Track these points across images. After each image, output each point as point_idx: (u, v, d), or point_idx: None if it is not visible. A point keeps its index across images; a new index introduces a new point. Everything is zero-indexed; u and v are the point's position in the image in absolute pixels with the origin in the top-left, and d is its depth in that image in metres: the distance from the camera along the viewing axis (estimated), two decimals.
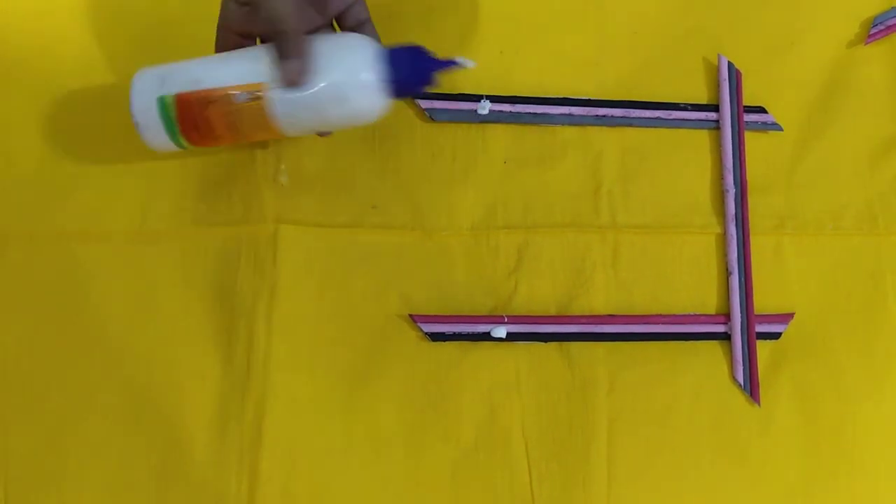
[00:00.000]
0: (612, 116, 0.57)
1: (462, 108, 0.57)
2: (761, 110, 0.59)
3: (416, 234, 0.55)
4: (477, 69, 0.57)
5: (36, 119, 0.54)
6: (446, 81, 0.57)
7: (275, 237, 0.54)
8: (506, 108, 0.57)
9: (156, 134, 0.50)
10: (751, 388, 0.54)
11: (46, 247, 0.54)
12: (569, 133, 0.58)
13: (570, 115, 0.57)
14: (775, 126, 0.58)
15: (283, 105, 0.48)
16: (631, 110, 0.58)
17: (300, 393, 0.52)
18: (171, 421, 0.52)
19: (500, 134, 0.57)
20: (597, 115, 0.57)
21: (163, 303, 0.53)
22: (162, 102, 0.49)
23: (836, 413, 0.55)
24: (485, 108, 0.56)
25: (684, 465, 0.53)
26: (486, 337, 0.53)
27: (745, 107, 0.58)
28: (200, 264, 0.54)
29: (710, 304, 0.56)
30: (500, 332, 0.53)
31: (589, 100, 0.58)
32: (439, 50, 0.58)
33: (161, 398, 0.52)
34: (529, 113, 0.57)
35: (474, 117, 0.57)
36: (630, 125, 0.58)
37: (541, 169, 0.57)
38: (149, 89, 0.49)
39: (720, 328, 0.55)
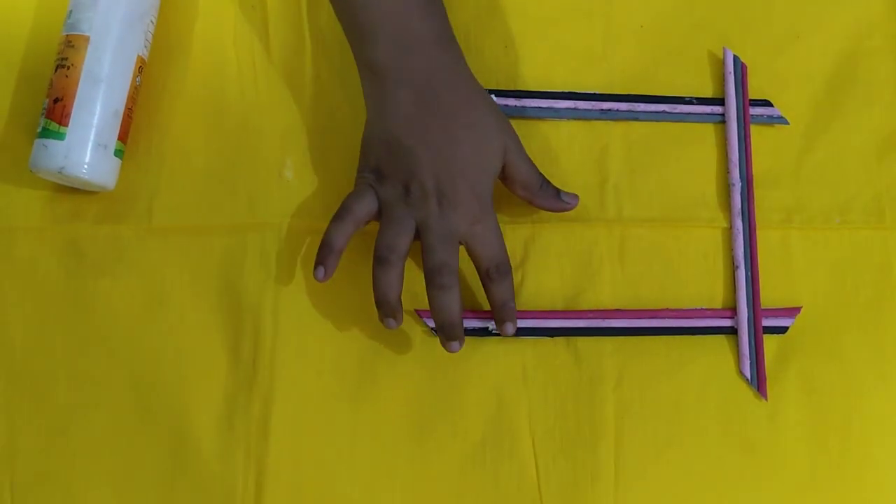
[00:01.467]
0: (617, 110, 0.57)
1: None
2: (767, 104, 0.58)
3: None
4: (482, 63, 0.57)
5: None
6: None
7: (280, 232, 0.54)
8: (511, 101, 0.57)
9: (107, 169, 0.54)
10: (758, 382, 0.54)
11: (53, 242, 0.54)
12: (574, 127, 0.58)
13: (575, 108, 0.57)
14: (781, 119, 0.58)
15: None
16: (636, 104, 0.57)
17: (307, 387, 0.52)
18: (178, 416, 0.52)
19: None
20: (602, 109, 0.57)
21: (169, 299, 0.53)
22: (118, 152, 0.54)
23: (843, 407, 0.54)
24: None
25: (691, 459, 0.53)
26: (493, 332, 0.53)
27: (750, 100, 0.58)
28: (206, 260, 0.54)
29: (717, 299, 0.56)
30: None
31: (594, 94, 0.58)
32: None
33: (168, 393, 0.52)
34: (535, 107, 0.57)
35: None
36: (636, 119, 0.57)
37: (546, 163, 0.56)
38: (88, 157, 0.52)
39: (727, 322, 0.55)
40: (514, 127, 0.56)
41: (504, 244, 0.52)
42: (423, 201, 0.50)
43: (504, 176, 0.52)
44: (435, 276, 0.49)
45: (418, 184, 0.50)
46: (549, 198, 0.53)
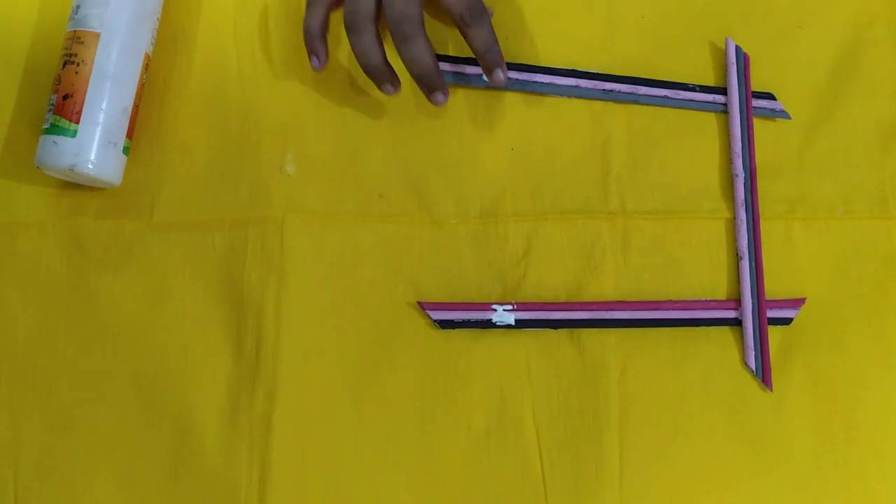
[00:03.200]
0: (619, 92, 0.57)
1: (470, 73, 0.57)
2: (770, 97, 0.58)
3: (424, 222, 0.55)
4: None
5: (43, 112, 0.54)
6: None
7: (282, 227, 0.54)
8: (514, 75, 0.57)
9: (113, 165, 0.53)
10: (763, 373, 0.54)
11: (55, 237, 0.54)
12: (576, 117, 0.57)
13: (577, 87, 0.57)
14: (783, 114, 0.58)
15: None
16: (638, 87, 0.57)
17: (310, 382, 0.52)
18: (181, 411, 0.52)
19: (506, 121, 0.57)
20: (604, 90, 0.57)
21: (172, 293, 0.53)
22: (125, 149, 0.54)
23: (848, 398, 0.54)
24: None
25: (696, 451, 0.53)
26: (496, 324, 0.53)
27: (753, 93, 0.58)
28: (208, 254, 0.54)
29: (721, 290, 0.55)
30: (508, 318, 0.53)
31: (597, 73, 0.57)
32: (446, 37, 0.58)
33: (171, 388, 0.52)
34: (536, 82, 0.57)
35: (480, 82, 0.57)
36: (637, 102, 0.57)
37: (548, 155, 0.56)
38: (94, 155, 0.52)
39: (731, 314, 0.55)
40: (516, 119, 0.56)
41: None
42: None
43: None
44: (396, 28, 0.52)
45: None
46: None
